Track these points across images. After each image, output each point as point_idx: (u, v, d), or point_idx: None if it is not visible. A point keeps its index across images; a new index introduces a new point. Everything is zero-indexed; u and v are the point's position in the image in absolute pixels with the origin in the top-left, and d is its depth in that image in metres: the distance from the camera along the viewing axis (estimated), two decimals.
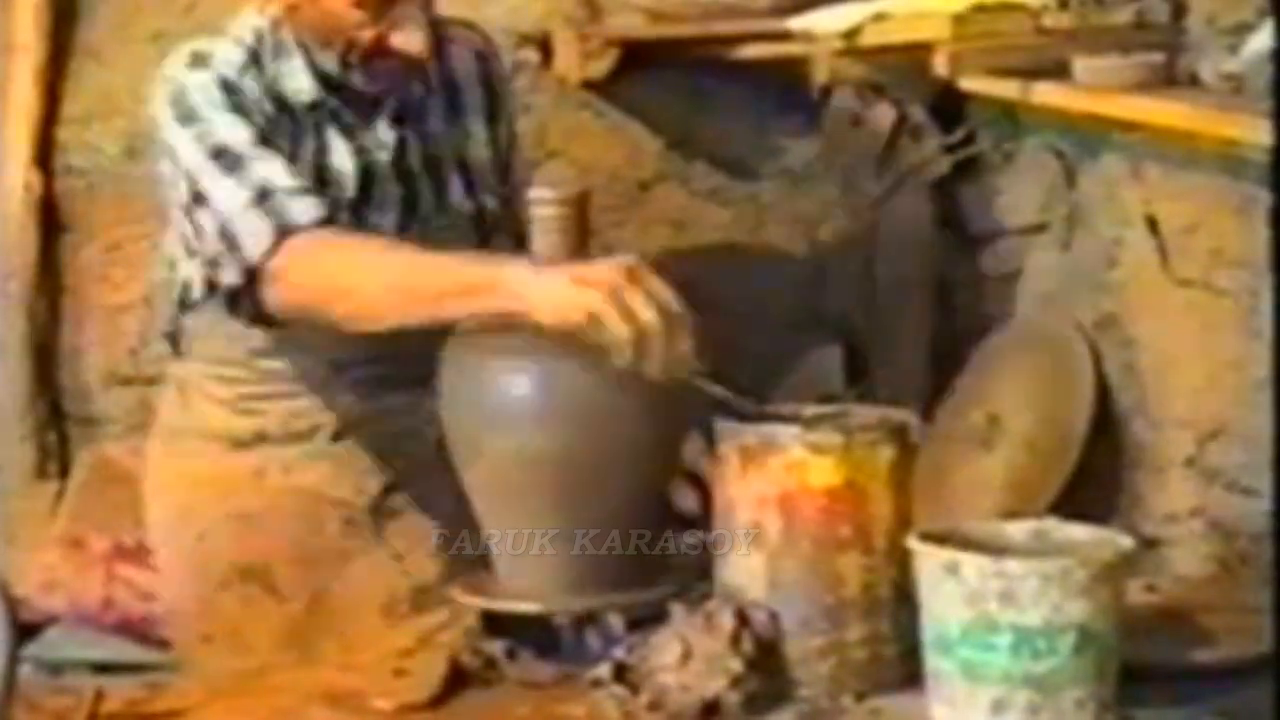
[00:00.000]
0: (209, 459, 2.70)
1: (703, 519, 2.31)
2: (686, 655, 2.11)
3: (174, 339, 2.72)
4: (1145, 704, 2.03)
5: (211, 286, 2.61)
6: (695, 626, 2.12)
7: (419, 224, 2.66)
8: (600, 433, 2.25)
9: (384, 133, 2.65)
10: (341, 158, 2.61)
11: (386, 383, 2.67)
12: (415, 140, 2.68)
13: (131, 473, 3.05)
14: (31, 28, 3.48)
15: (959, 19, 2.82)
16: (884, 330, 3.51)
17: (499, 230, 2.76)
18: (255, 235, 2.44)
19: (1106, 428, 3.00)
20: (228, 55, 2.56)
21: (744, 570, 2.16)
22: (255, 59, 2.57)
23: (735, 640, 2.10)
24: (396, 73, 2.61)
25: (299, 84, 2.59)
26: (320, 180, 2.57)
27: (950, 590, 1.95)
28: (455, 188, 2.73)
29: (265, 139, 2.52)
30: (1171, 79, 2.62)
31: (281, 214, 2.44)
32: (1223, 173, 2.66)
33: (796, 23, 3.08)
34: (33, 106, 3.49)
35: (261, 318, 2.56)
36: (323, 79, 2.60)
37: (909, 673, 2.09)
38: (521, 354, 2.25)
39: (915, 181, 3.46)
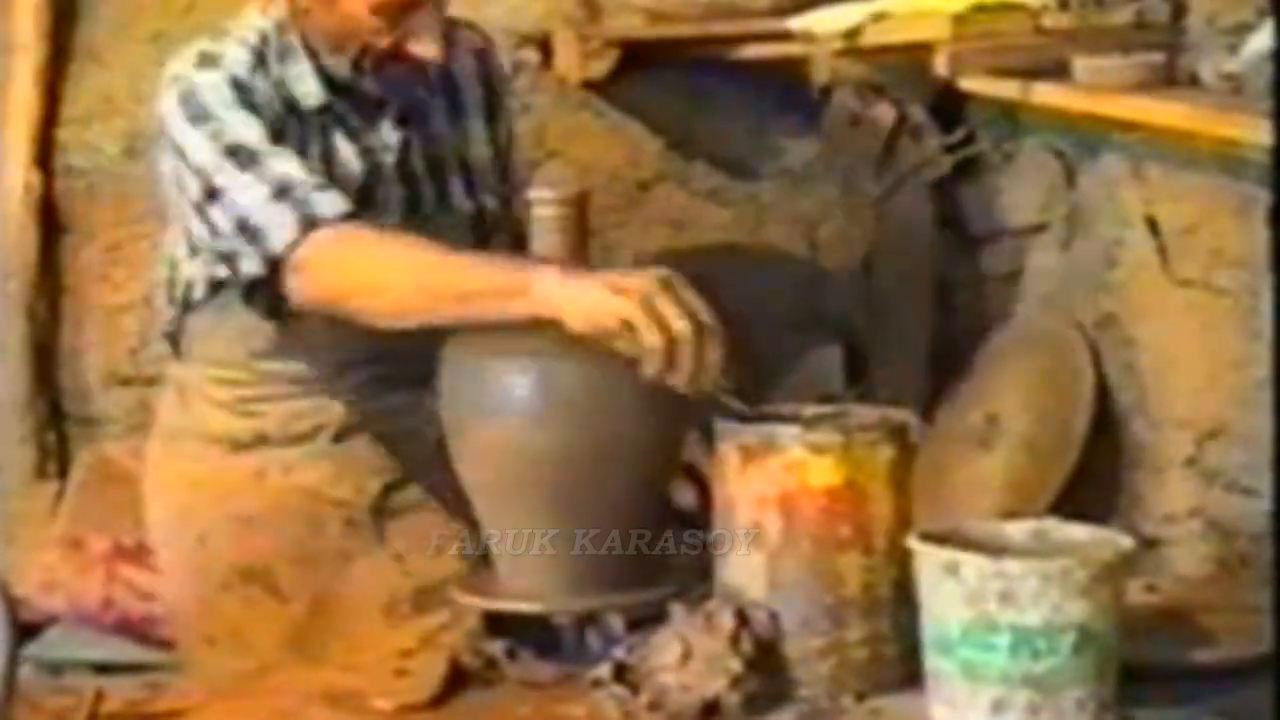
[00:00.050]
0: (209, 461, 2.69)
1: (701, 514, 2.31)
2: (686, 655, 2.11)
3: (174, 340, 2.72)
4: (1145, 704, 2.03)
5: (215, 286, 2.61)
6: (695, 626, 2.12)
7: (421, 224, 2.65)
8: (600, 432, 2.25)
9: (388, 134, 2.65)
10: (348, 160, 2.61)
11: (387, 383, 2.67)
12: (418, 141, 2.68)
13: (131, 473, 3.04)
14: (31, 28, 3.48)
15: (959, 19, 2.82)
16: (884, 330, 3.51)
17: (498, 230, 2.76)
18: (281, 227, 2.43)
19: (1106, 428, 3.00)
20: (236, 55, 2.55)
21: (744, 570, 2.16)
22: (261, 60, 2.57)
23: (735, 640, 2.10)
24: (404, 76, 2.61)
25: (307, 88, 2.59)
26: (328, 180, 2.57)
27: (950, 590, 1.95)
28: (456, 188, 2.73)
29: (278, 137, 2.51)
30: (1171, 79, 2.62)
31: (308, 206, 2.43)
32: (1222, 173, 2.66)
33: (796, 23, 3.08)
34: (33, 107, 3.49)
35: (276, 310, 2.55)
36: (329, 82, 2.60)
37: (909, 673, 2.09)
38: (521, 354, 2.26)
39: (915, 181, 3.46)
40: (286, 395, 2.67)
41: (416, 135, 2.68)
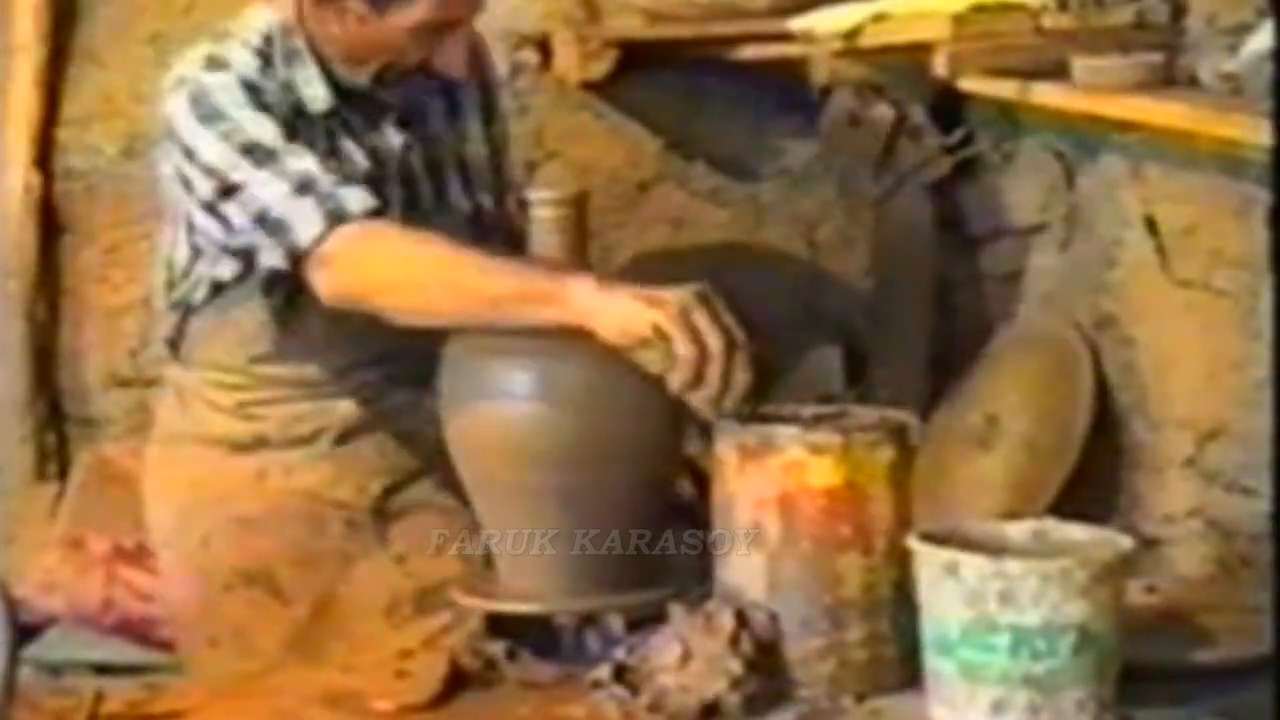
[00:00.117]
0: (209, 463, 2.69)
1: (700, 508, 2.30)
2: (686, 656, 2.11)
3: (174, 344, 2.72)
4: (1145, 704, 2.03)
5: (216, 289, 2.61)
6: (695, 627, 2.12)
7: (418, 224, 2.65)
8: (601, 432, 2.26)
9: (392, 136, 2.65)
10: (355, 162, 2.60)
11: (387, 384, 2.67)
12: (417, 141, 2.68)
13: (131, 474, 3.04)
14: (31, 29, 3.47)
15: (959, 19, 2.82)
16: (884, 330, 3.51)
17: (495, 229, 2.76)
18: (307, 221, 2.42)
19: (1106, 428, 3.00)
20: (243, 58, 2.55)
21: (744, 571, 2.16)
22: (267, 62, 2.56)
23: (735, 641, 2.10)
24: (415, 83, 2.62)
25: (314, 91, 2.58)
26: None
27: (950, 591, 1.95)
28: (453, 187, 2.73)
29: (291, 137, 2.51)
30: (1171, 79, 2.62)
31: (334, 201, 2.43)
32: (1222, 173, 2.66)
33: (796, 23, 3.08)
34: (32, 108, 3.48)
35: (294, 303, 2.54)
36: (335, 86, 2.59)
37: (909, 673, 2.09)
38: (522, 353, 2.26)
39: (915, 182, 3.46)
40: (287, 398, 2.67)
41: (415, 135, 2.68)
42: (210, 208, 2.50)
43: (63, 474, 3.48)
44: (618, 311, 2.17)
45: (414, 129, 2.67)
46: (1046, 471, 2.99)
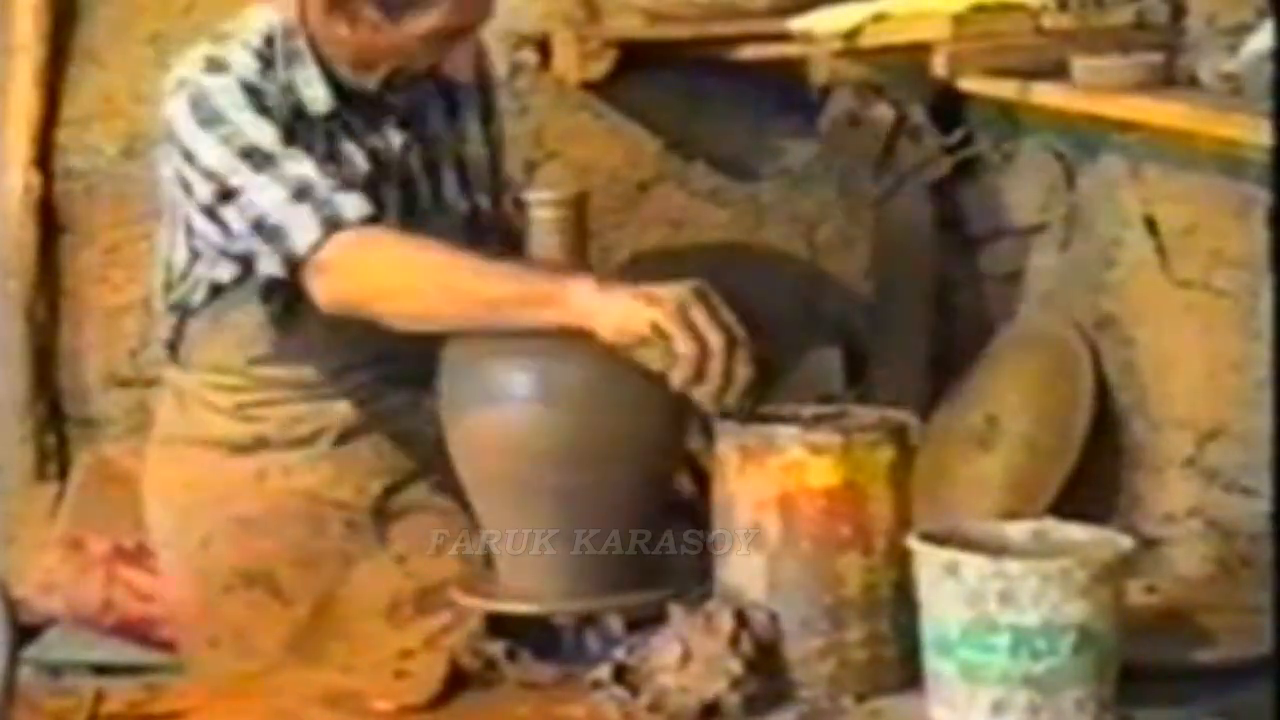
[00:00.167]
0: (209, 464, 2.69)
1: (700, 504, 2.30)
2: (686, 656, 2.11)
3: (172, 346, 2.71)
4: (1145, 704, 2.03)
5: (214, 291, 2.61)
6: (695, 628, 2.12)
7: (416, 224, 2.65)
8: (601, 431, 2.26)
9: (392, 135, 2.65)
10: (354, 163, 2.60)
11: (387, 385, 2.67)
12: (416, 141, 2.68)
13: (131, 474, 3.04)
14: (31, 30, 3.47)
15: (958, 19, 2.82)
16: (883, 331, 3.51)
17: (492, 230, 2.76)
18: (303, 228, 2.42)
19: (1106, 428, 3.00)
20: (243, 59, 2.54)
21: (743, 571, 2.16)
22: (268, 64, 2.56)
23: (735, 641, 2.10)
24: (418, 85, 2.62)
25: (315, 93, 2.58)
26: None
27: (950, 591, 1.95)
28: (451, 187, 2.73)
29: (290, 140, 2.51)
30: (1170, 79, 2.62)
31: (330, 208, 2.42)
32: (1222, 173, 2.66)
33: (796, 23, 3.08)
34: (32, 108, 3.48)
35: (293, 310, 2.54)
36: (336, 88, 2.59)
37: (909, 674, 2.09)
38: (521, 353, 2.26)
39: (915, 182, 3.46)
40: (286, 400, 2.67)
41: (414, 136, 2.67)
42: (209, 212, 2.50)
43: (63, 474, 3.48)
44: (617, 311, 2.17)
45: (413, 129, 2.67)
46: (1046, 471, 2.99)
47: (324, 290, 2.43)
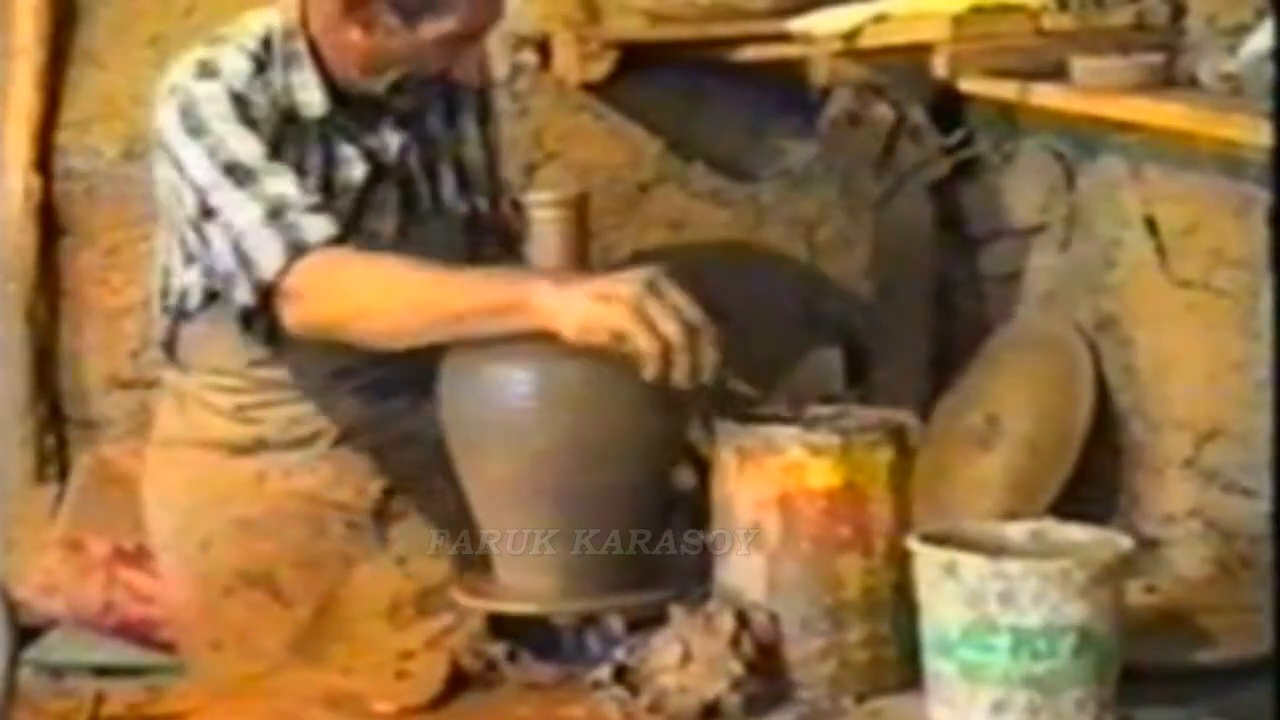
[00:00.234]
0: (209, 466, 2.69)
1: (700, 497, 2.30)
2: (686, 657, 2.11)
3: (170, 348, 2.71)
4: (1145, 704, 2.03)
5: (210, 296, 2.61)
6: (695, 628, 2.12)
7: (416, 225, 2.66)
8: (601, 431, 2.26)
9: (389, 136, 2.65)
10: (350, 165, 2.60)
11: (387, 387, 2.67)
12: (415, 143, 2.68)
13: (131, 475, 3.04)
14: (31, 32, 3.47)
15: (958, 20, 2.82)
16: (883, 331, 3.51)
17: (490, 231, 2.76)
18: (268, 255, 2.42)
19: (1106, 428, 3.00)
20: (235, 65, 2.54)
21: (744, 572, 2.16)
22: (261, 68, 2.56)
23: (735, 642, 2.10)
24: (426, 89, 2.62)
25: (309, 97, 2.58)
26: (327, 188, 2.57)
27: (950, 591, 1.95)
28: (450, 188, 2.73)
29: (275, 152, 2.51)
30: (1170, 80, 2.62)
31: (295, 231, 2.42)
32: (1222, 173, 2.66)
33: (795, 24, 3.08)
34: (32, 110, 3.48)
35: (275, 336, 2.54)
36: (333, 89, 2.59)
37: (909, 674, 2.09)
38: (521, 353, 2.26)
39: (915, 182, 3.46)
40: (285, 401, 2.67)
41: (413, 136, 2.67)
42: (195, 227, 2.51)
43: (63, 476, 3.48)
44: (576, 313, 2.17)
45: (412, 130, 2.67)
46: (1046, 471, 2.99)
47: (292, 316, 2.44)
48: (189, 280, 2.61)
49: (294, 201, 2.44)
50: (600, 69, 3.45)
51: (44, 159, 3.50)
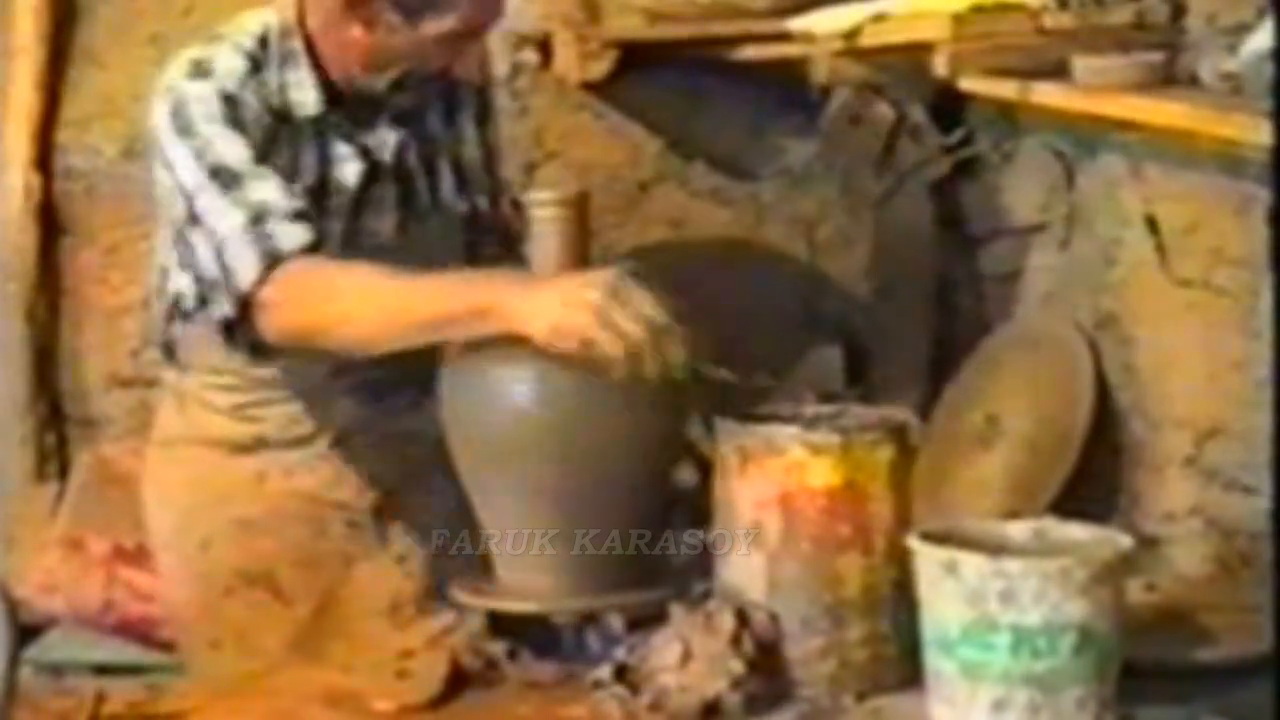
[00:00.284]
0: (209, 465, 2.69)
1: (701, 494, 2.30)
2: (687, 656, 2.11)
3: (169, 348, 2.72)
4: (1145, 703, 2.03)
5: (203, 300, 2.60)
6: (695, 627, 2.13)
7: (415, 224, 2.66)
8: (600, 431, 2.26)
9: (386, 133, 2.65)
10: (345, 163, 2.60)
11: (386, 386, 2.67)
12: (413, 141, 2.68)
13: (131, 474, 3.04)
14: (31, 31, 3.48)
15: (959, 19, 2.82)
16: (884, 330, 3.51)
17: (490, 231, 2.76)
18: (245, 265, 2.43)
19: (1106, 427, 3.00)
20: (229, 65, 2.54)
21: (744, 570, 2.16)
22: (256, 67, 2.56)
23: (736, 641, 2.10)
24: (427, 87, 2.62)
25: (304, 96, 2.58)
26: (323, 186, 2.57)
27: (950, 590, 1.95)
28: (448, 187, 2.73)
29: (263, 156, 2.51)
30: (1171, 79, 2.62)
31: (270, 241, 2.43)
32: (1222, 172, 2.66)
33: (796, 23, 3.08)
34: (32, 109, 3.49)
35: (258, 346, 2.54)
36: (328, 88, 2.59)
37: (909, 673, 2.09)
38: (521, 354, 2.26)
39: (915, 181, 3.46)
40: (285, 400, 2.67)
41: (412, 134, 2.67)
42: (184, 232, 2.52)
43: (63, 474, 3.49)
44: (545, 318, 2.19)
45: (410, 128, 2.67)
46: (1046, 471, 2.99)
47: (269, 325, 2.45)
48: (183, 284, 2.61)
49: (275, 208, 2.45)
50: (600, 68, 3.45)
51: (44, 158, 3.50)
